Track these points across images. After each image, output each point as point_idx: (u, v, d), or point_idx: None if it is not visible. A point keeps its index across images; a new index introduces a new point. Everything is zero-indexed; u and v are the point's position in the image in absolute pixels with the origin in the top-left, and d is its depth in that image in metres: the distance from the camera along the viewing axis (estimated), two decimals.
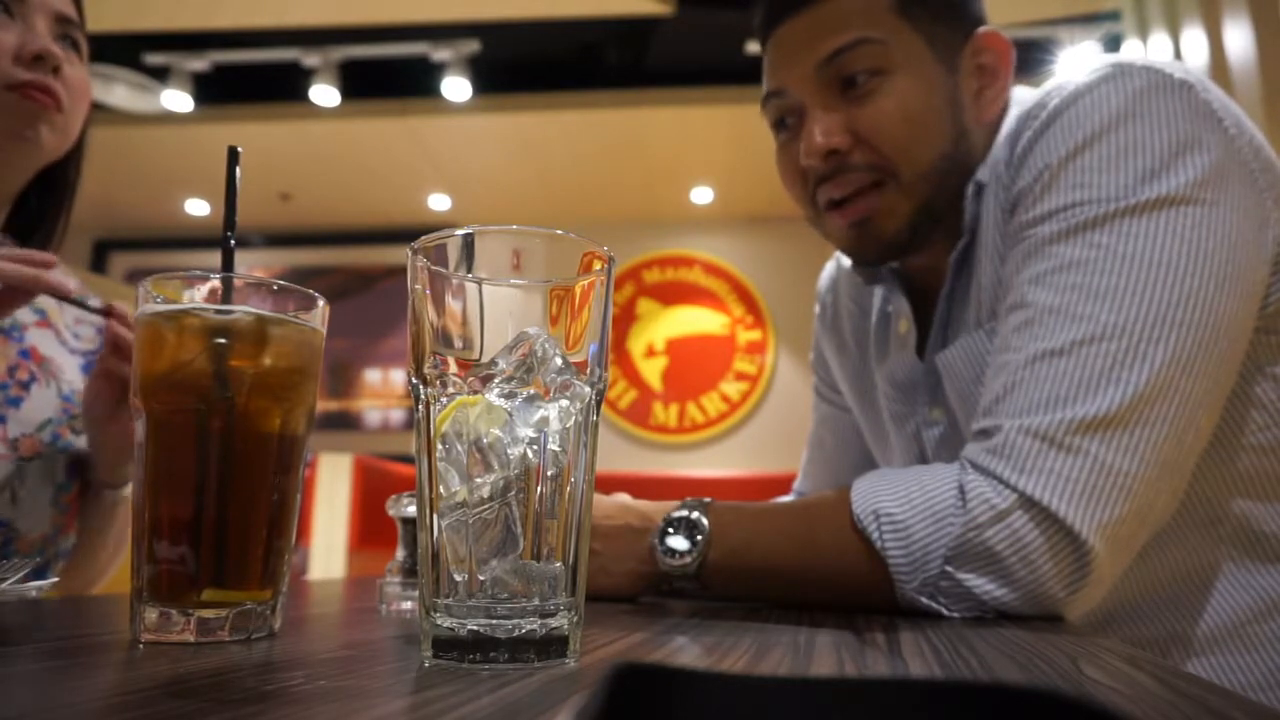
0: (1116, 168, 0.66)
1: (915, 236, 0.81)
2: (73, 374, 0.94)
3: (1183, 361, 0.61)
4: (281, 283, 0.49)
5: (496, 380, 0.38)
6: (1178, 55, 2.38)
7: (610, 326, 0.41)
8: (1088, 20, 3.32)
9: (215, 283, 0.48)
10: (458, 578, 0.37)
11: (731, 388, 4.84)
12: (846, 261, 1.03)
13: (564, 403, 0.39)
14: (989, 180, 0.78)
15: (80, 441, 0.93)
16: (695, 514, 0.67)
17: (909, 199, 0.79)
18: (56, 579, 0.78)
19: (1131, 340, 0.61)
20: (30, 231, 0.94)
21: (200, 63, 3.75)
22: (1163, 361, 0.60)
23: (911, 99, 0.77)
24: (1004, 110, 0.84)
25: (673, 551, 0.66)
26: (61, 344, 0.96)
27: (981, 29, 0.82)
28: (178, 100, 3.81)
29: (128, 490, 0.93)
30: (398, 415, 5.08)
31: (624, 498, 0.77)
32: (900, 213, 0.79)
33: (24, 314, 0.93)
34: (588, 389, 0.39)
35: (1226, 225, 0.64)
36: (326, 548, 3.47)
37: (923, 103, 0.78)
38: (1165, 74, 0.68)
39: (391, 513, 0.68)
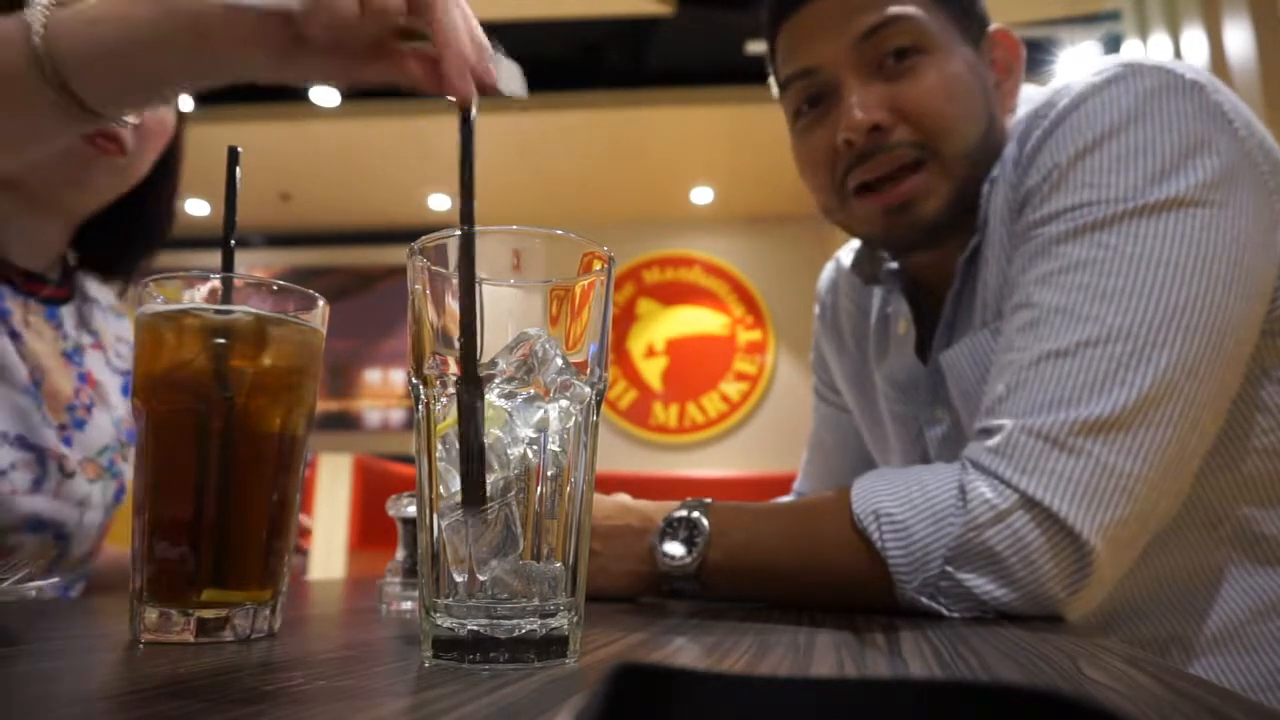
0: (1125, 168, 0.66)
1: (950, 221, 0.79)
2: (116, 398, 0.94)
3: (1188, 364, 0.61)
4: (281, 283, 0.49)
5: (497, 381, 0.38)
6: (1178, 55, 2.39)
7: (610, 326, 0.41)
8: (1088, 20, 3.32)
9: (215, 283, 0.48)
10: (458, 578, 0.37)
11: (731, 388, 4.84)
12: (846, 261, 1.03)
13: (564, 403, 0.39)
14: (995, 178, 0.78)
15: (127, 469, 0.93)
16: (695, 514, 0.67)
17: (949, 179, 0.77)
18: (56, 579, 0.78)
19: (1137, 342, 0.61)
20: (109, 262, 0.94)
21: None
22: (1168, 364, 0.60)
23: (953, 76, 0.77)
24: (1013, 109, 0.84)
25: (673, 552, 0.66)
26: (107, 364, 0.95)
27: (993, 26, 0.83)
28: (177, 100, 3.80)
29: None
30: (398, 415, 5.08)
31: (624, 498, 0.77)
32: (940, 193, 0.77)
33: (82, 336, 0.93)
34: (588, 389, 0.39)
35: (1235, 228, 0.64)
36: (326, 548, 3.47)
37: (963, 81, 0.77)
38: (1176, 74, 0.67)
39: (391, 513, 0.68)
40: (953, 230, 0.80)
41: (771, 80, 0.88)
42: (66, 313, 0.91)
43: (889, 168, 0.77)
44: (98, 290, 0.99)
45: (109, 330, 0.98)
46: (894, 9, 0.76)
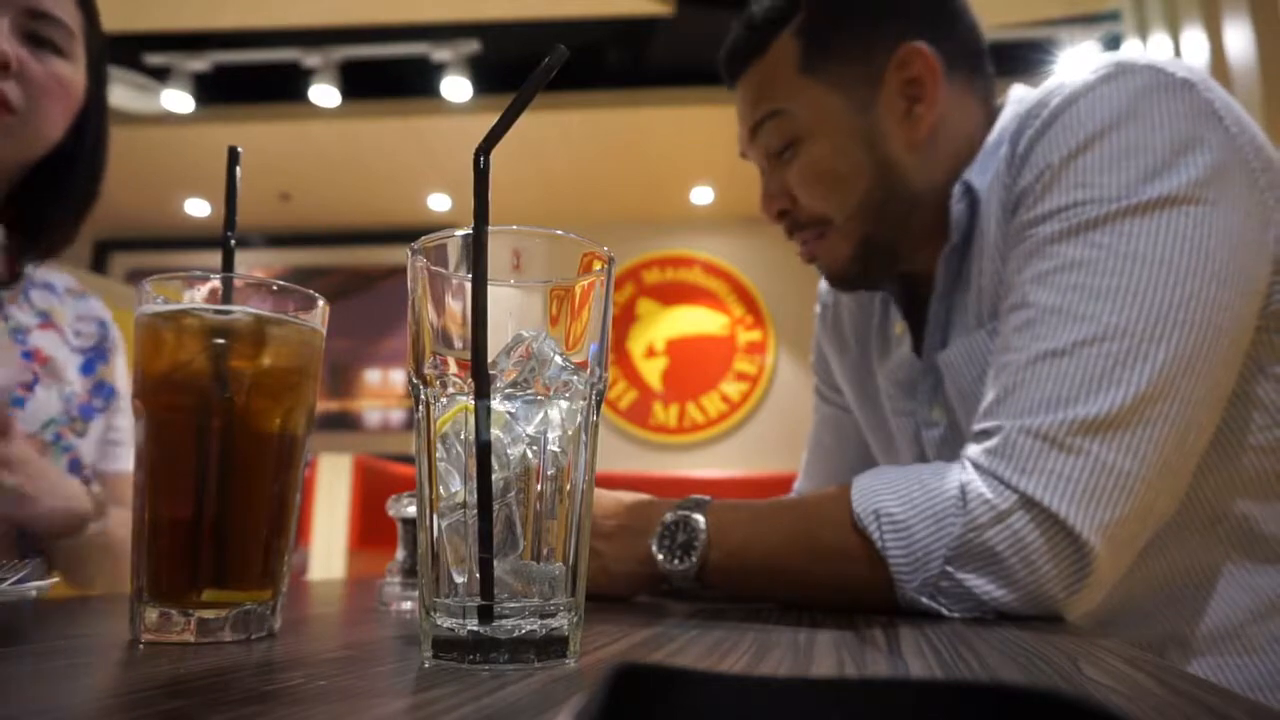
0: (1118, 167, 0.66)
1: (868, 268, 0.87)
2: (73, 374, 0.94)
3: (1184, 361, 0.61)
4: (281, 283, 0.49)
5: (497, 381, 0.38)
6: (1177, 55, 2.39)
7: (610, 326, 0.41)
8: (1088, 20, 3.32)
9: (215, 283, 0.48)
10: (458, 578, 0.37)
11: (731, 388, 4.83)
12: None
13: (564, 403, 0.39)
14: (988, 180, 0.78)
15: (81, 444, 0.93)
16: (695, 514, 0.67)
17: (847, 239, 0.85)
18: (57, 579, 0.78)
19: (1133, 340, 0.61)
20: (34, 234, 0.93)
21: (200, 63, 3.75)
22: (1164, 361, 0.60)
23: (821, 159, 0.83)
24: (996, 110, 0.85)
25: (673, 554, 0.66)
26: (64, 343, 0.96)
27: (905, 45, 0.81)
28: (178, 100, 3.81)
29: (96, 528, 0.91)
30: (398, 415, 5.08)
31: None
32: (841, 252, 0.86)
33: (27, 317, 0.93)
34: (588, 389, 0.39)
35: (1228, 225, 0.64)
36: (326, 548, 3.47)
37: (833, 158, 0.83)
38: (1167, 73, 0.68)
39: (391, 513, 0.68)
40: (889, 261, 0.87)
41: None
42: (7, 296, 0.91)
43: (801, 239, 0.89)
44: (53, 275, 0.99)
45: (66, 311, 0.98)
46: (768, 105, 0.84)
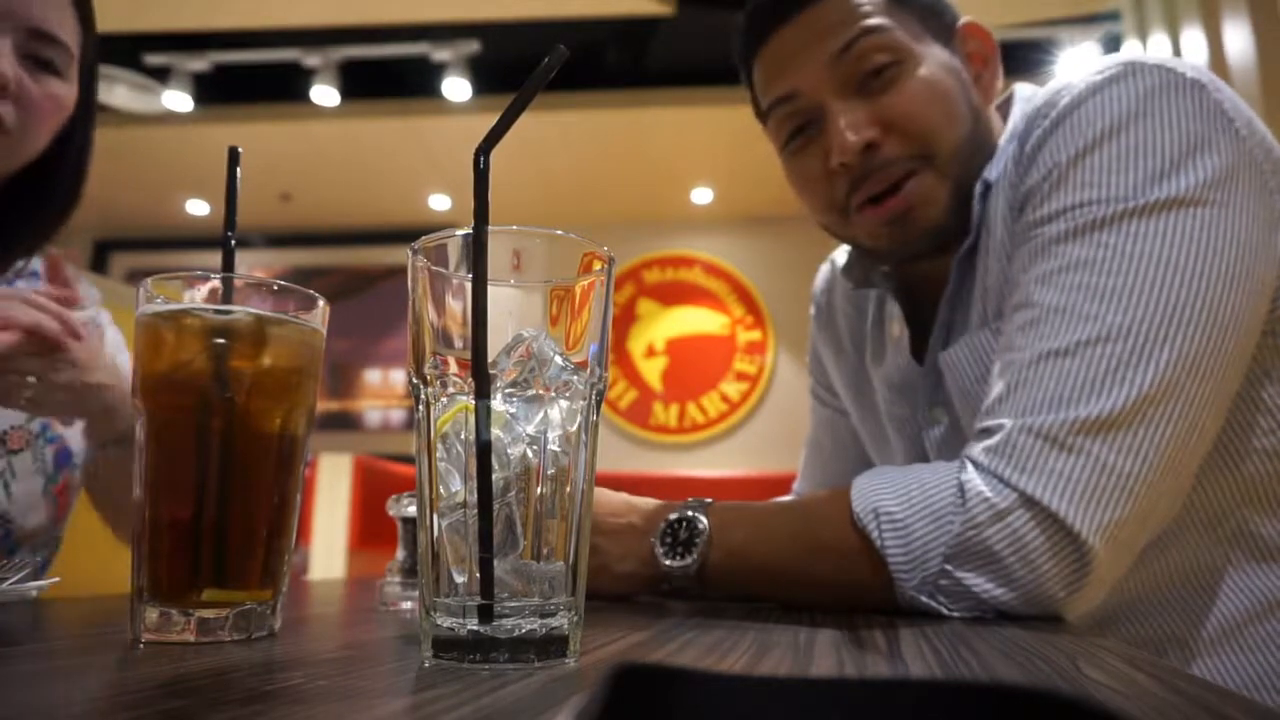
0: (1126, 168, 0.65)
1: (952, 222, 0.79)
2: None
3: (1189, 363, 0.61)
4: (281, 283, 0.49)
5: (497, 381, 0.38)
6: (1177, 55, 2.39)
7: (610, 326, 0.41)
8: (1088, 20, 3.32)
9: (215, 283, 0.48)
10: (458, 578, 0.37)
11: (731, 388, 4.84)
12: (841, 261, 1.03)
13: (564, 403, 0.39)
14: (997, 178, 0.78)
15: (69, 433, 0.93)
16: (696, 514, 0.67)
17: (945, 181, 0.78)
18: (57, 579, 0.78)
19: (1137, 341, 0.61)
20: (12, 239, 0.93)
21: (200, 63, 3.75)
22: (1168, 362, 0.60)
23: (932, 79, 0.77)
24: (1007, 106, 0.84)
25: (674, 552, 0.66)
26: None
27: (962, 20, 0.84)
28: (178, 100, 3.81)
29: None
30: (398, 415, 5.08)
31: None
32: (939, 197, 0.78)
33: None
34: (588, 389, 0.39)
35: (1236, 227, 0.64)
36: (326, 548, 3.47)
37: (943, 82, 0.78)
38: (1177, 73, 0.67)
39: (391, 513, 0.68)
40: (955, 232, 0.80)
41: (752, 110, 0.89)
42: None
43: (889, 181, 0.78)
44: (38, 264, 0.99)
45: None
46: (863, 23, 0.77)
